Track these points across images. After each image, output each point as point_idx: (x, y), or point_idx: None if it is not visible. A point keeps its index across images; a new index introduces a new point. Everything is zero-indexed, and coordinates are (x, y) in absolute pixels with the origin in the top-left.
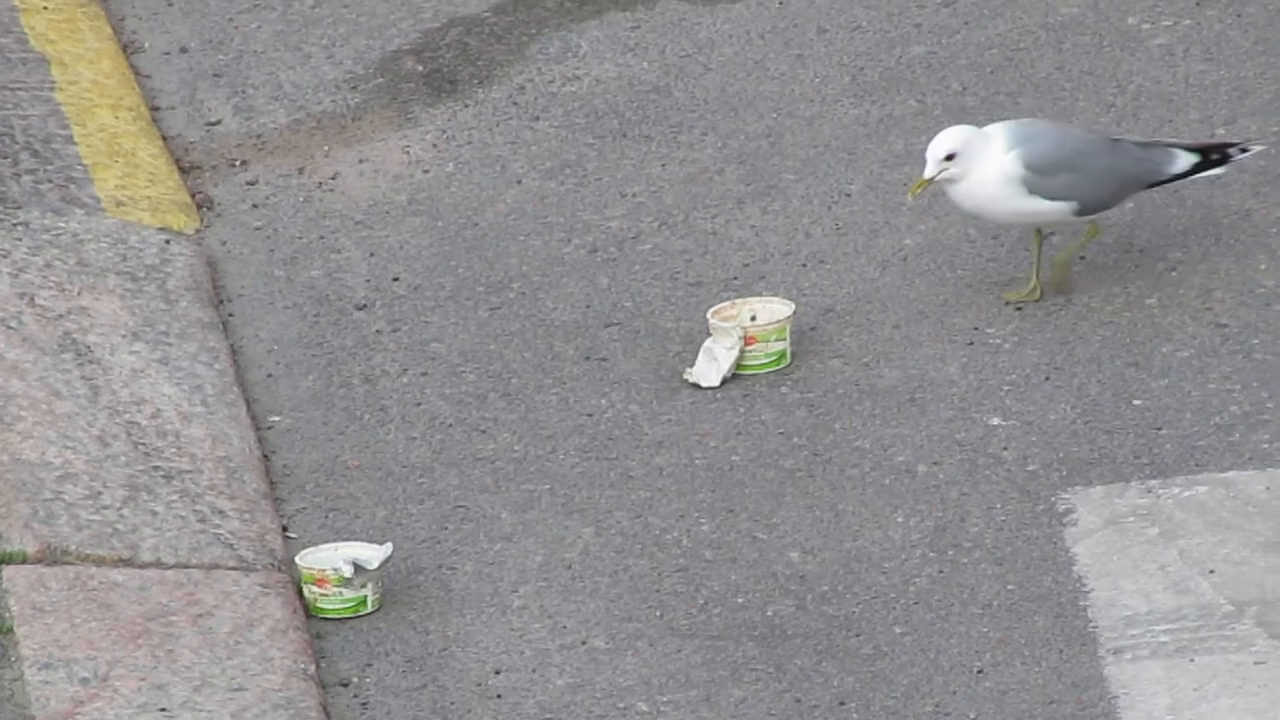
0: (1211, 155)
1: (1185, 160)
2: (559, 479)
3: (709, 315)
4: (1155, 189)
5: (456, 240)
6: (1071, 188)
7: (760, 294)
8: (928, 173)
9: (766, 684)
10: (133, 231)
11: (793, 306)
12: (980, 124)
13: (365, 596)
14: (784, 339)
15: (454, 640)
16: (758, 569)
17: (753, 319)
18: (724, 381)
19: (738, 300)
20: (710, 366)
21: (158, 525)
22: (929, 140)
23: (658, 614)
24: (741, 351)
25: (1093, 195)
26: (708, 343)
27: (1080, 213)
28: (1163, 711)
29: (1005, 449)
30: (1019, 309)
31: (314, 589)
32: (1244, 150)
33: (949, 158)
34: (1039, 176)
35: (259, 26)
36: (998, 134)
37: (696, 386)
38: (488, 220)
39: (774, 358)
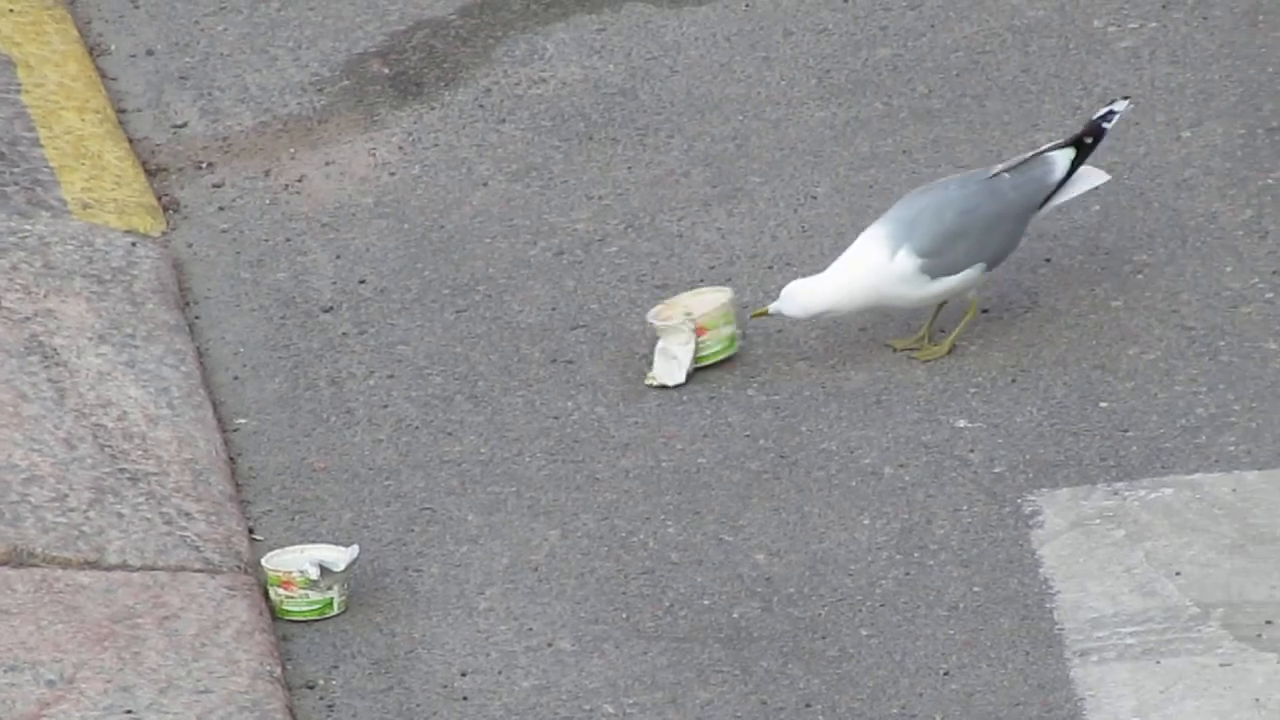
0: (1086, 139)
1: (1064, 160)
2: (525, 481)
3: (650, 319)
4: (1052, 201)
5: (423, 243)
6: (968, 254)
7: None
8: (771, 307)
9: (732, 686)
10: (99, 234)
11: (729, 291)
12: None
13: (331, 599)
14: (731, 323)
15: (420, 642)
16: (724, 571)
17: (687, 315)
18: (688, 377)
19: (669, 300)
20: (670, 365)
21: (124, 528)
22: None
23: (624, 616)
24: (696, 344)
25: (990, 249)
26: (660, 344)
27: (990, 267)
28: (1129, 713)
29: (971, 451)
30: (909, 353)
31: (280, 591)
32: (1111, 114)
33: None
34: (935, 260)
35: (225, 29)
36: (878, 237)
37: (664, 387)
38: (454, 223)
39: (726, 342)
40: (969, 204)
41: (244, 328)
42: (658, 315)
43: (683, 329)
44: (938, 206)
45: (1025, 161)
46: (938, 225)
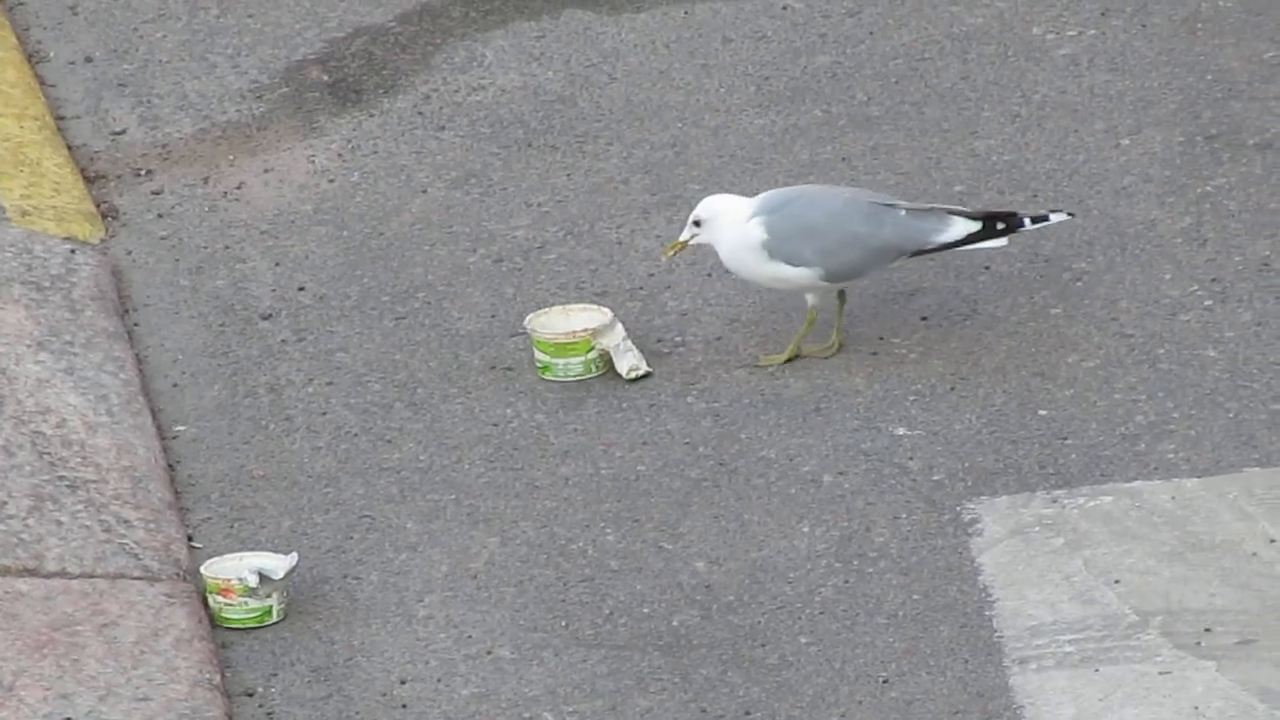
0: (997, 224)
1: (961, 228)
2: (464, 489)
3: (577, 333)
4: (929, 256)
5: (362, 250)
6: (815, 255)
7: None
8: (682, 236)
9: (672, 694)
10: (38, 241)
11: (607, 313)
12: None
13: (270, 606)
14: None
15: (359, 650)
16: (663, 579)
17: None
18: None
19: (543, 312)
20: (629, 355)
21: (63, 535)
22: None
23: (563, 624)
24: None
25: (837, 262)
26: (602, 344)
27: (829, 279)
28: None
29: (911, 459)
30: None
31: (219, 599)
32: (1040, 219)
33: (696, 223)
34: (780, 242)
35: (164, 36)
36: (751, 202)
37: (648, 374)
38: (393, 230)
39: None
40: (842, 214)
41: (183, 335)
42: (547, 327)
43: (614, 326)
44: (815, 201)
45: (927, 210)
46: (801, 216)
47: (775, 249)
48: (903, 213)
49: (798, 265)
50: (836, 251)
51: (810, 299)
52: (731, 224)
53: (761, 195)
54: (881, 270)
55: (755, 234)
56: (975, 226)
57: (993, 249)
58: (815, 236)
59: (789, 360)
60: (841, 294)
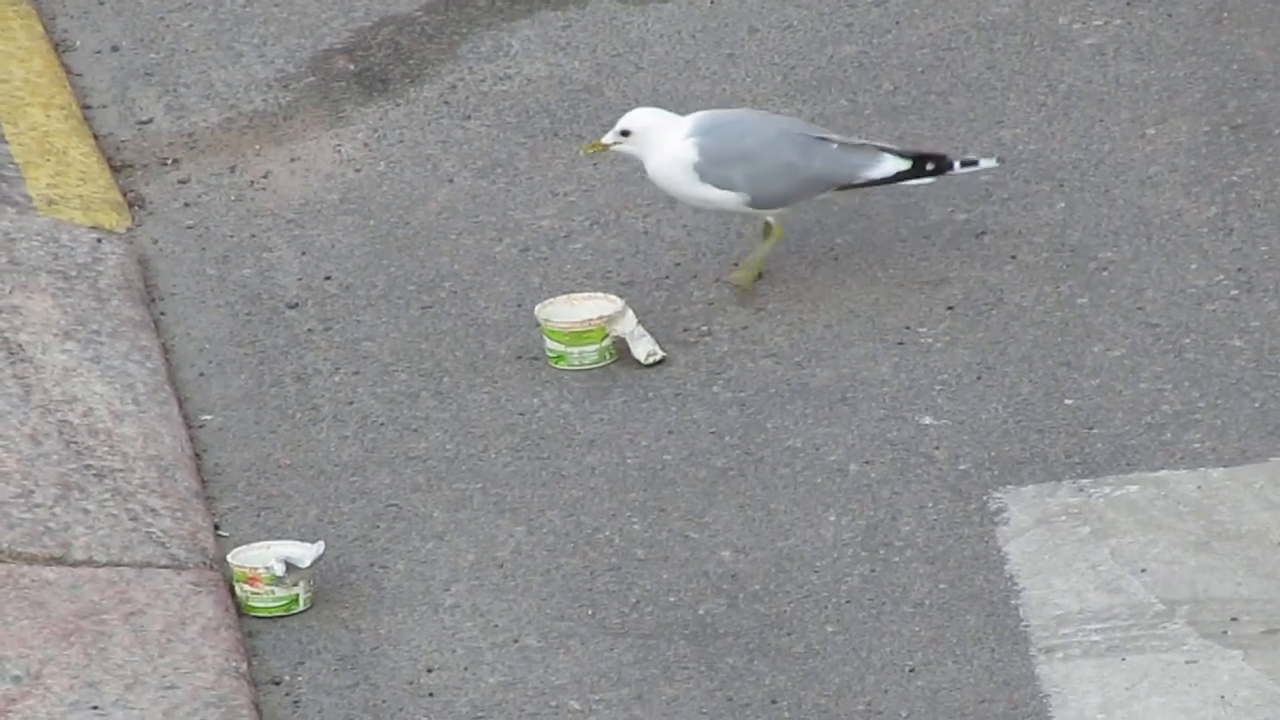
0: (926, 164)
1: (891, 165)
2: (491, 478)
3: (591, 321)
4: (859, 190)
5: (388, 239)
6: (744, 180)
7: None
8: (605, 138)
9: (698, 682)
10: (64, 230)
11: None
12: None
13: (297, 595)
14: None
15: (386, 639)
16: (689, 568)
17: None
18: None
19: (549, 303)
20: (644, 340)
21: (90, 524)
22: (858, 138)
23: (589, 613)
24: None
25: (765, 190)
26: (616, 331)
27: (755, 205)
28: (1094, 710)
29: (937, 448)
30: (736, 289)
31: (246, 587)
32: (970, 163)
33: (624, 133)
34: (711, 165)
35: (190, 25)
36: (687, 121)
37: (664, 359)
38: (419, 219)
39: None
40: (775, 143)
41: (209, 324)
42: (555, 313)
43: (625, 312)
44: (750, 127)
45: (859, 146)
46: (736, 141)
47: (706, 171)
48: (835, 146)
49: (726, 189)
50: (767, 179)
51: (771, 218)
52: (663, 141)
53: (695, 115)
54: (809, 201)
55: (688, 154)
56: (905, 165)
57: (919, 185)
58: (747, 162)
59: (758, 277)
60: (767, 227)
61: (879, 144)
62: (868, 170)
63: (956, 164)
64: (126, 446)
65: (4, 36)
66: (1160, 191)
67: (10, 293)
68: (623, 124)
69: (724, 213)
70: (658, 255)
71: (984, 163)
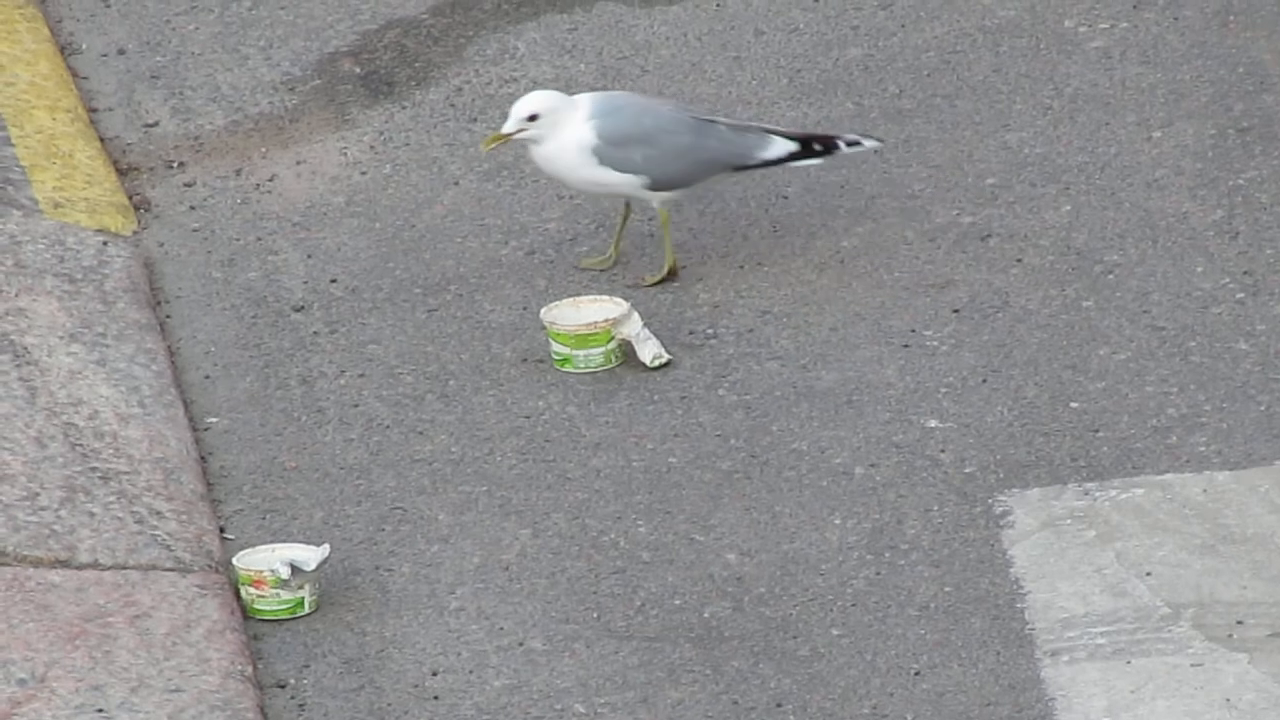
0: (814, 145)
1: (781, 147)
2: (496, 480)
3: (598, 324)
4: (749, 172)
5: (394, 242)
6: (643, 162)
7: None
8: (506, 128)
9: (703, 685)
10: (70, 233)
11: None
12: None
13: (302, 598)
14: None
15: (391, 641)
16: (695, 571)
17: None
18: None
19: (554, 306)
20: (650, 343)
21: (95, 526)
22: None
23: (595, 615)
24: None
25: (664, 172)
26: (622, 334)
27: (652, 188)
28: (1100, 713)
29: (943, 451)
30: (597, 272)
31: (251, 590)
32: (855, 143)
33: (531, 118)
34: (611, 148)
35: (196, 28)
36: (583, 104)
37: (670, 361)
38: (425, 222)
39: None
40: (671, 125)
41: (215, 327)
42: (560, 316)
43: (631, 315)
44: (646, 109)
45: (747, 127)
46: (632, 123)
47: (605, 154)
48: (724, 128)
49: (625, 172)
50: (665, 161)
51: (656, 202)
52: (566, 123)
53: (589, 96)
54: (702, 184)
55: (588, 137)
56: (794, 146)
57: (808, 166)
58: (646, 144)
59: (670, 273)
60: (627, 206)
61: (765, 126)
62: (760, 152)
63: (843, 144)
64: (132, 449)
65: (10, 40)
66: (1166, 194)
67: (16, 295)
68: (528, 108)
69: (612, 196)
70: (663, 258)
71: (867, 143)
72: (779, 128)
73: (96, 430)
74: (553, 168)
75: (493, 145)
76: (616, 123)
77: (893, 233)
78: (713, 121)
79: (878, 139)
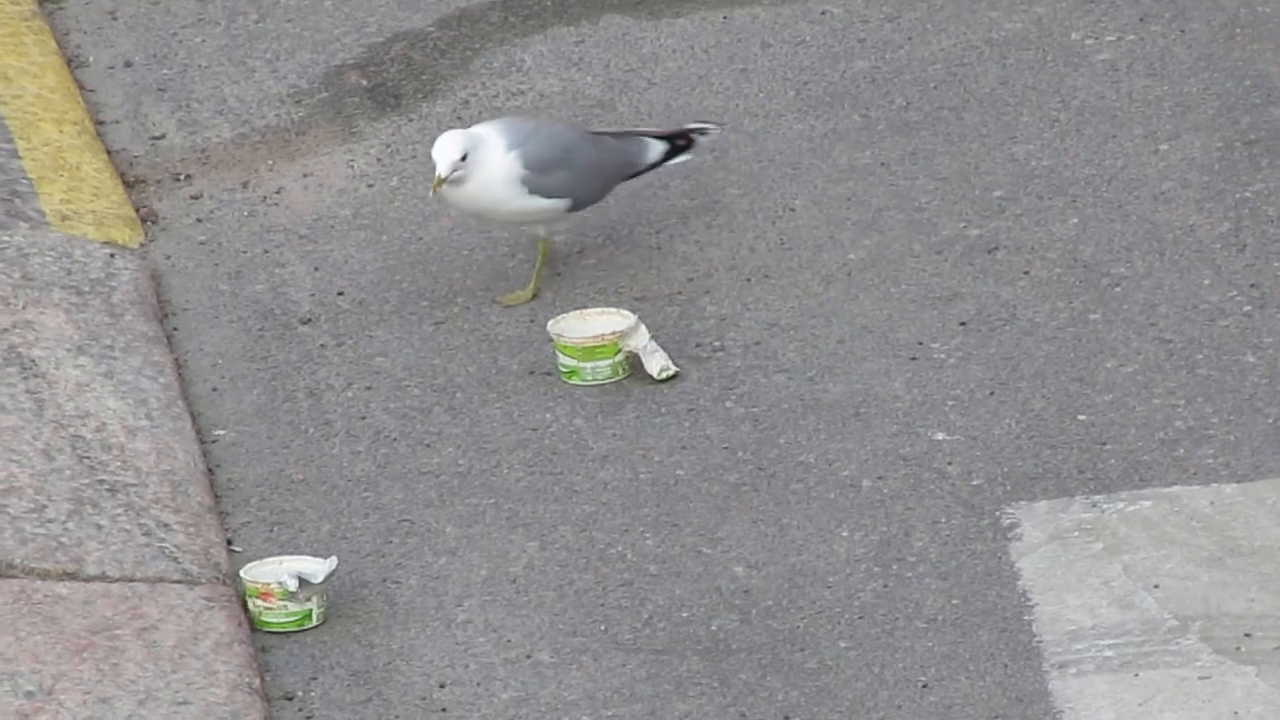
0: (678, 141)
1: (657, 149)
2: (503, 493)
3: (605, 336)
4: (634, 179)
5: (401, 254)
6: (566, 185)
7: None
8: (442, 172)
9: (711, 698)
10: (77, 245)
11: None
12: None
13: (310, 610)
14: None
15: (399, 654)
16: (702, 583)
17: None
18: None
19: (560, 319)
20: (658, 355)
21: (102, 539)
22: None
23: (602, 628)
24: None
25: (583, 191)
26: (630, 346)
27: (573, 209)
28: None
29: (950, 464)
30: (509, 307)
31: (259, 602)
32: (703, 133)
33: (463, 158)
34: (537, 175)
35: (203, 41)
36: (493, 136)
37: (677, 374)
38: (432, 234)
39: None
40: (576, 145)
41: (222, 339)
42: (567, 329)
43: (639, 327)
44: (554, 133)
45: (625, 134)
46: (549, 147)
47: (533, 182)
48: (610, 139)
49: (551, 197)
50: (582, 181)
51: (542, 230)
52: (486, 158)
53: (491, 128)
54: (606, 197)
55: (515, 168)
56: (665, 146)
57: (682, 164)
58: (565, 168)
59: (534, 296)
60: (545, 239)
61: (636, 130)
62: (645, 157)
63: (696, 136)
64: (139, 461)
65: (17, 52)
66: (1173, 207)
67: (24, 308)
68: (456, 149)
69: (539, 222)
70: (670, 270)
71: (711, 130)
72: (646, 129)
73: (104, 443)
74: (478, 204)
75: (438, 189)
76: (539, 149)
77: (900, 245)
78: (600, 134)
79: (718, 124)
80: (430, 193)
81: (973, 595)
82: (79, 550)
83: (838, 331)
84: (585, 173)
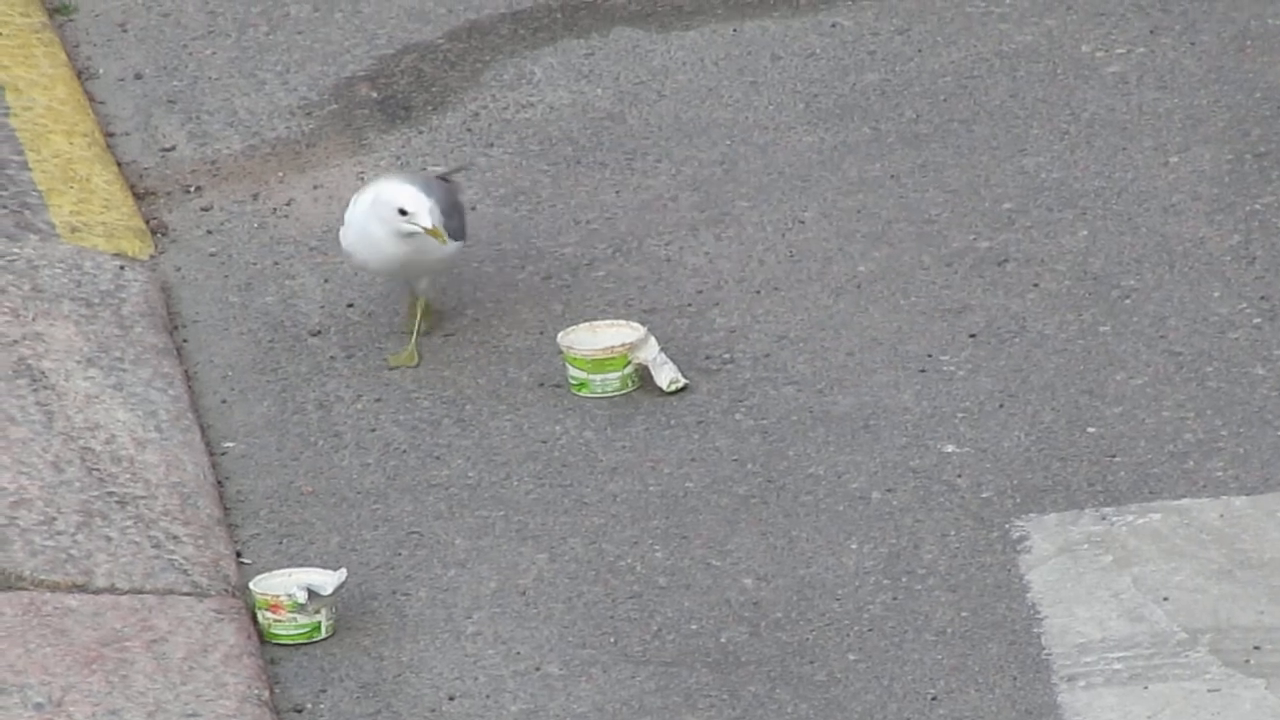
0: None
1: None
2: (513, 505)
3: (614, 349)
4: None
5: None
6: (458, 228)
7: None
8: (437, 221)
9: (720, 711)
10: (87, 257)
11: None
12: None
13: (319, 622)
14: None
15: (408, 666)
16: (711, 596)
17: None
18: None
19: (570, 331)
20: (667, 367)
21: (112, 551)
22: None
23: (611, 640)
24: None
25: (463, 231)
26: (639, 358)
27: (461, 249)
28: None
29: (959, 476)
30: (399, 369)
31: (268, 615)
32: (444, 178)
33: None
34: (449, 221)
35: (213, 53)
36: (417, 191)
37: (686, 386)
38: None
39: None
40: (446, 188)
41: (232, 351)
42: (577, 341)
43: (648, 339)
44: (430, 181)
45: (446, 176)
46: (441, 194)
47: (448, 229)
48: (438, 182)
49: (457, 240)
50: (460, 223)
51: (423, 284)
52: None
53: (407, 179)
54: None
55: (438, 215)
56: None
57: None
58: (456, 213)
59: (419, 362)
60: (412, 292)
61: (439, 172)
62: (460, 194)
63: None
64: (149, 473)
65: (27, 64)
66: (1183, 219)
67: (33, 320)
68: (411, 206)
69: (438, 272)
70: (680, 283)
71: (455, 177)
72: (437, 169)
73: (114, 455)
74: (423, 253)
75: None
76: (439, 197)
77: (909, 257)
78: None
79: (463, 166)
80: (441, 243)
81: (982, 608)
82: (88, 562)
83: (847, 344)
84: (459, 213)
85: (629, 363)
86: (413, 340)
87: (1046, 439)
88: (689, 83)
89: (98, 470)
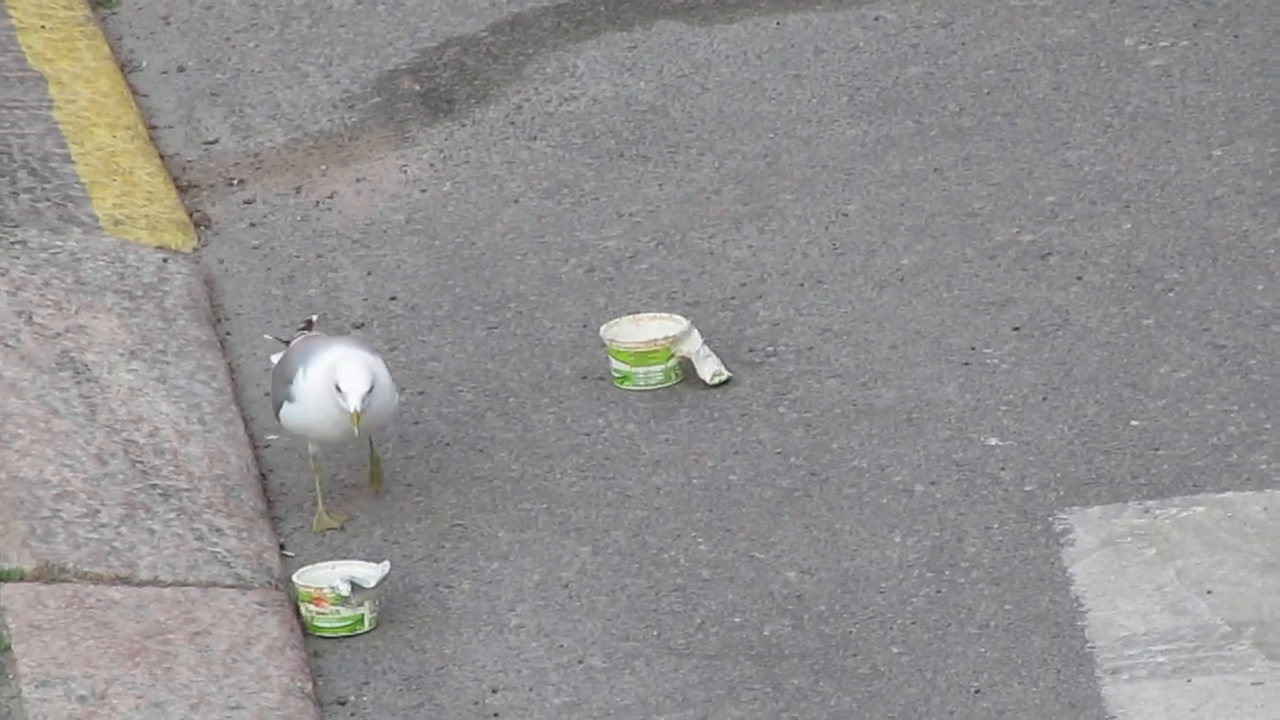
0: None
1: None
2: (556, 498)
3: (657, 341)
4: None
5: (454, 259)
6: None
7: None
8: (357, 405)
9: (764, 704)
10: (130, 250)
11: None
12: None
13: (362, 615)
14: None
15: (451, 659)
16: (755, 588)
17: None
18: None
19: (613, 324)
20: (710, 360)
21: (155, 543)
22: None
23: (655, 633)
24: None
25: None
26: (682, 351)
27: None
28: None
29: (1003, 469)
30: (333, 531)
31: (311, 607)
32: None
33: (370, 389)
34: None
35: (256, 46)
36: (369, 356)
37: (730, 379)
38: (485, 240)
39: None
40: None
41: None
42: (620, 334)
43: (691, 332)
44: (357, 348)
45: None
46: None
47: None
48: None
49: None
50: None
51: (314, 448)
52: (383, 378)
53: (344, 349)
54: None
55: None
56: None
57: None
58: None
59: (342, 525)
60: (315, 461)
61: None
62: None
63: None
64: (192, 466)
65: (71, 57)
66: (1227, 213)
67: (76, 312)
68: (366, 381)
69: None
70: (723, 276)
71: (297, 339)
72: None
73: (157, 447)
74: (378, 420)
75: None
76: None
77: (953, 251)
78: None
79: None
80: (355, 430)
81: (1025, 601)
82: (132, 555)
83: (890, 337)
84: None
85: (672, 356)
86: (321, 499)
87: (1090, 432)
88: (732, 76)
89: (141, 463)
